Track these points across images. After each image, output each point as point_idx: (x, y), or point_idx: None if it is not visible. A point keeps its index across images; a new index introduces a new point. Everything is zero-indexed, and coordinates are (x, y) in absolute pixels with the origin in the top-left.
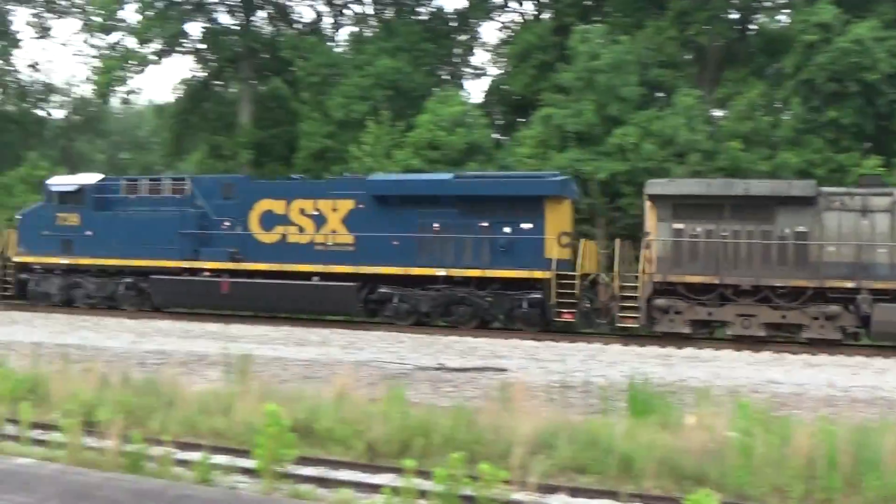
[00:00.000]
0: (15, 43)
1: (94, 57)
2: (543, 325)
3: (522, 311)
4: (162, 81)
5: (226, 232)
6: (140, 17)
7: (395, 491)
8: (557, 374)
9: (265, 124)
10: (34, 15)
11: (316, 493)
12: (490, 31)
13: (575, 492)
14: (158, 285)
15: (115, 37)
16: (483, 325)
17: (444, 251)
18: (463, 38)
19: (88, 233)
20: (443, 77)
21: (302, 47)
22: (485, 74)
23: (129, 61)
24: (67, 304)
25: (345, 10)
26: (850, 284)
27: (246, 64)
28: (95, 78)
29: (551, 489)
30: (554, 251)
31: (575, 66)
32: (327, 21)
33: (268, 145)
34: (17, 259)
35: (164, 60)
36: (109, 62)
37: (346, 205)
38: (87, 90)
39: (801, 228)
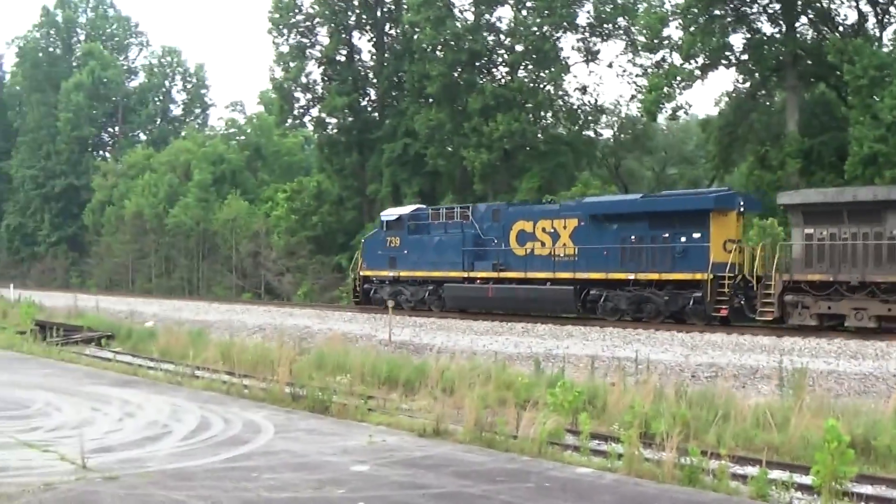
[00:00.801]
0: (565, 68)
1: (639, 76)
2: (706, 319)
3: (690, 307)
4: (705, 93)
5: (493, 248)
6: (682, 34)
7: None
8: None
9: (812, 132)
10: (580, 40)
11: None
12: None
13: None
14: (449, 291)
15: (659, 55)
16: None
17: (636, 258)
18: None
19: (405, 251)
20: None
21: (848, 50)
22: None
23: (676, 78)
24: (397, 306)
25: (890, 8)
26: None
27: (790, 72)
28: (641, 97)
29: None
30: (718, 256)
31: None
32: (872, 21)
33: (816, 153)
34: (362, 273)
35: (708, 74)
36: (655, 80)
37: (572, 223)
38: (633, 109)
39: None
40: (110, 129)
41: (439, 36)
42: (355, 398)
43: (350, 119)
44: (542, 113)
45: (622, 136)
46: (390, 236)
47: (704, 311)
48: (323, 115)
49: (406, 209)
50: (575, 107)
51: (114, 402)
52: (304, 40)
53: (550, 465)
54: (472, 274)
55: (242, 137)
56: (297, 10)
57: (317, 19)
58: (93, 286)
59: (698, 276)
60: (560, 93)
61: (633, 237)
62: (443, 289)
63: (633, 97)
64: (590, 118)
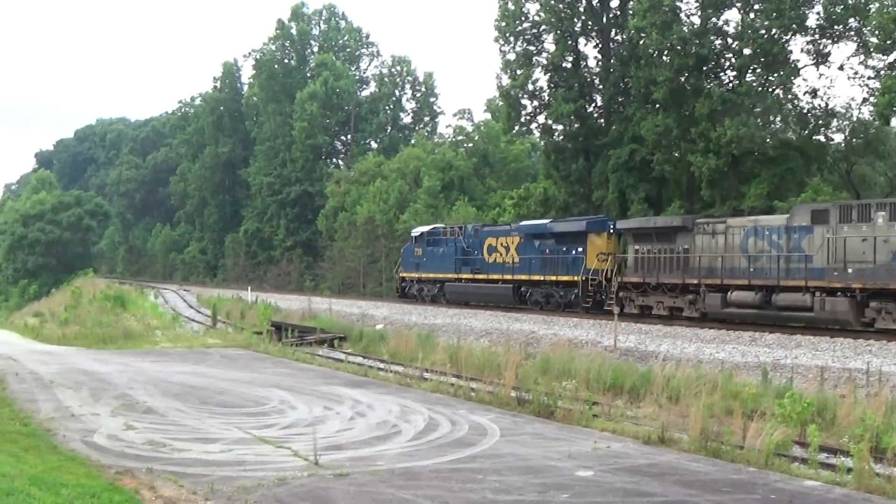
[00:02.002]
0: (794, 71)
1: (871, 78)
2: (581, 308)
3: (573, 300)
4: None
5: (473, 257)
6: None
7: None
8: None
9: None
10: (809, 42)
11: None
12: None
13: None
14: (447, 288)
15: (893, 56)
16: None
17: (547, 265)
18: None
19: (424, 259)
20: None
21: None
22: None
23: None
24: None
25: None
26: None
27: None
28: (874, 100)
29: None
30: (592, 264)
31: None
32: None
33: None
34: (400, 274)
35: None
36: (889, 83)
37: (516, 240)
38: (866, 112)
39: (685, 246)
40: (343, 138)
41: (665, 41)
42: (580, 404)
43: (576, 125)
44: (771, 117)
45: (854, 140)
46: (416, 248)
47: (579, 303)
48: (549, 121)
49: (426, 228)
50: (805, 111)
51: (345, 401)
52: (531, 48)
53: (777, 477)
54: (460, 276)
55: (470, 145)
56: (523, 18)
57: (543, 27)
58: (325, 289)
59: (576, 278)
60: (789, 96)
61: (546, 250)
62: (444, 286)
63: (865, 100)
64: (820, 122)
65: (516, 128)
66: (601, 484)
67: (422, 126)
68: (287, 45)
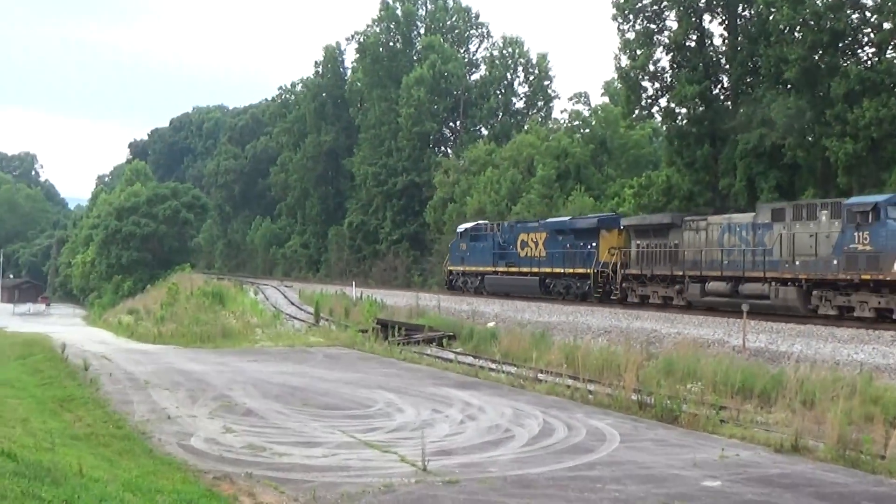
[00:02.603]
0: None
1: None
2: (592, 298)
3: (586, 290)
4: None
5: (509, 251)
6: None
7: None
8: None
9: None
10: None
11: None
12: None
13: None
14: (488, 280)
15: None
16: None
17: (569, 259)
18: None
19: (468, 253)
20: None
21: None
22: None
23: None
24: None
25: None
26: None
27: None
28: None
29: None
30: (604, 258)
31: None
32: None
33: None
34: (448, 268)
35: None
36: None
37: (543, 235)
38: None
39: (675, 242)
40: (451, 125)
41: (798, 16)
42: (706, 408)
43: (701, 108)
44: None
45: None
46: (461, 243)
47: (591, 293)
48: (672, 104)
49: (469, 224)
50: None
51: (455, 403)
52: (652, 26)
53: None
54: (497, 269)
55: (587, 130)
56: None
57: (664, 3)
58: (434, 285)
59: (589, 270)
60: None
61: (568, 245)
62: (484, 279)
63: None
64: None
65: (636, 112)
66: (729, 495)
67: (535, 111)
68: (392, 26)
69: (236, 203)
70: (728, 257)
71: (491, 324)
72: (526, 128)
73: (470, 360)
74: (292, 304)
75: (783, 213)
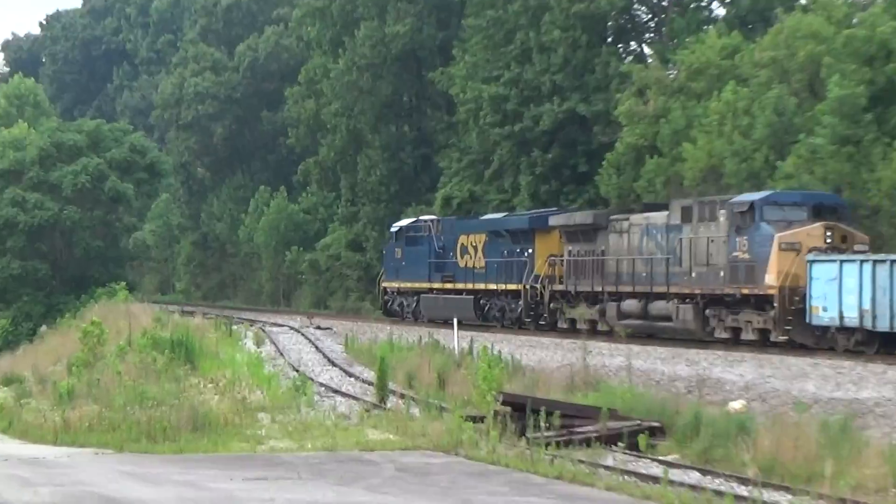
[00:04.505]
0: None
1: None
2: None
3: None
4: None
5: (446, 260)
6: None
7: None
8: None
9: None
10: None
11: None
12: None
13: None
14: (424, 301)
15: None
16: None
17: None
18: None
19: (403, 263)
20: None
21: None
22: None
23: None
24: None
25: None
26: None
27: None
28: None
29: None
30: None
31: None
32: None
33: None
34: (383, 284)
35: None
36: None
37: (481, 239)
38: None
39: (602, 248)
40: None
41: None
42: None
43: None
44: None
45: None
46: (396, 247)
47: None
48: None
49: (406, 221)
50: None
51: None
52: None
53: None
54: (432, 284)
55: None
56: None
57: None
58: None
59: (519, 286)
60: None
61: (505, 251)
62: (420, 299)
63: None
64: None
65: None
66: None
67: None
68: None
69: (218, 162)
70: (639, 268)
71: (736, 404)
72: (803, 1)
73: (696, 478)
74: (332, 363)
75: (691, 213)
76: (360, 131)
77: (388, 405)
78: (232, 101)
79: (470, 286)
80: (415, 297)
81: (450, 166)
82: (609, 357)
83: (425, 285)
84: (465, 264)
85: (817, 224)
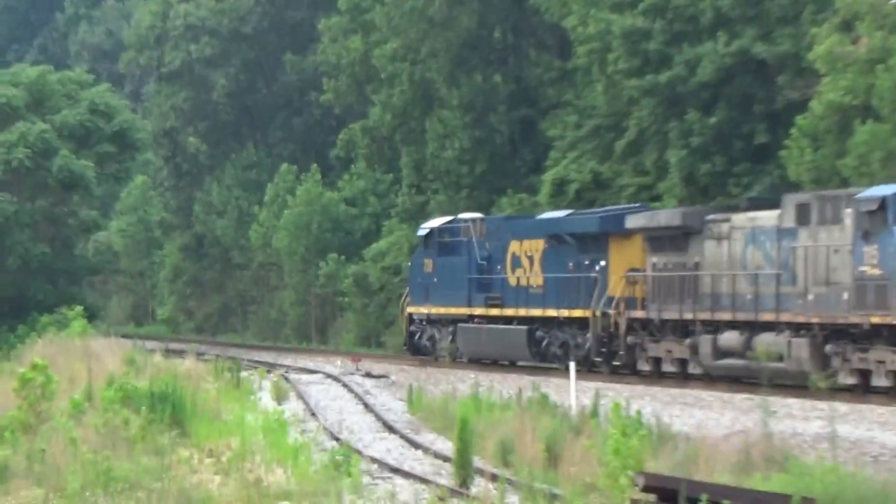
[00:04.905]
0: None
1: None
2: None
3: None
4: None
5: (492, 276)
6: None
7: None
8: None
9: None
10: None
11: None
12: None
13: None
14: (462, 334)
15: None
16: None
17: None
18: None
19: (436, 279)
20: None
21: None
22: None
23: None
24: None
25: None
26: None
27: None
28: None
29: None
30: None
31: None
32: None
33: None
34: (408, 310)
35: None
36: None
37: (539, 245)
38: None
39: (696, 259)
40: None
41: None
42: None
43: None
44: None
45: None
46: (425, 257)
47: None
48: None
49: (438, 222)
50: None
51: None
52: None
53: None
54: (473, 310)
55: None
56: None
57: None
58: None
59: (587, 312)
60: None
61: (570, 264)
62: (457, 330)
63: None
64: None
65: None
66: None
67: None
68: None
69: (219, 128)
70: (750, 287)
71: None
72: None
73: None
74: (389, 427)
75: (808, 212)
76: (429, 83)
77: (473, 490)
78: (240, 38)
79: (523, 312)
80: (450, 328)
81: (563, 136)
82: (802, 420)
83: (464, 311)
84: (518, 282)
85: None
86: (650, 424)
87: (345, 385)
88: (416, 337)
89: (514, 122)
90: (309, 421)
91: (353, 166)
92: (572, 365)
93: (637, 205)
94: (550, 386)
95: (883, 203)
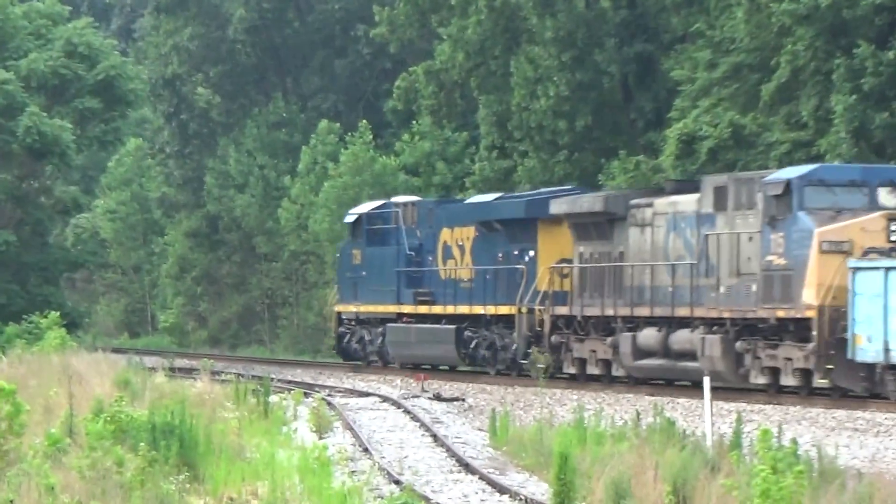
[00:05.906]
0: None
1: None
2: None
3: None
4: None
5: (422, 269)
6: None
7: None
8: None
9: None
10: None
11: None
12: None
13: None
14: (390, 334)
15: None
16: None
17: None
18: None
19: (364, 273)
20: None
21: None
22: None
23: None
24: None
25: None
26: None
27: None
28: None
29: None
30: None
31: None
32: None
33: None
34: (336, 308)
35: None
36: None
37: (469, 233)
38: None
39: (621, 248)
40: None
41: None
42: None
43: None
44: None
45: None
46: (353, 247)
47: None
48: None
49: (367, 207)
50: None
51: None
52: None
53: None
54: (402, 307)
55: None
56: None
57: None
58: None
59: (512, 309)
60: None
61: (499, 254)
62: (386, 331)
63: None
64: None
65: None
66: None
67: None
68: None
69: (237, 75)
70: (668, 279)
71: None
72: None
73: None
74: (465, 466)
75: (725, 195)
76: (515, 11)
77: None
78: None
79: (451, 310)
80: (380, 329)
81: (693, 78)
82: None
83: (392, 309)
84: (449, 275)
85: (876, 214)
86: (809, 457)
87: (406, 411)
88: (346, 339)
89: (628, 61)
90: (360, 459)
91: (414, 123)
92: (706, 380)
93: (569, 187)
94: (678, 409)
95: (788, 186)
